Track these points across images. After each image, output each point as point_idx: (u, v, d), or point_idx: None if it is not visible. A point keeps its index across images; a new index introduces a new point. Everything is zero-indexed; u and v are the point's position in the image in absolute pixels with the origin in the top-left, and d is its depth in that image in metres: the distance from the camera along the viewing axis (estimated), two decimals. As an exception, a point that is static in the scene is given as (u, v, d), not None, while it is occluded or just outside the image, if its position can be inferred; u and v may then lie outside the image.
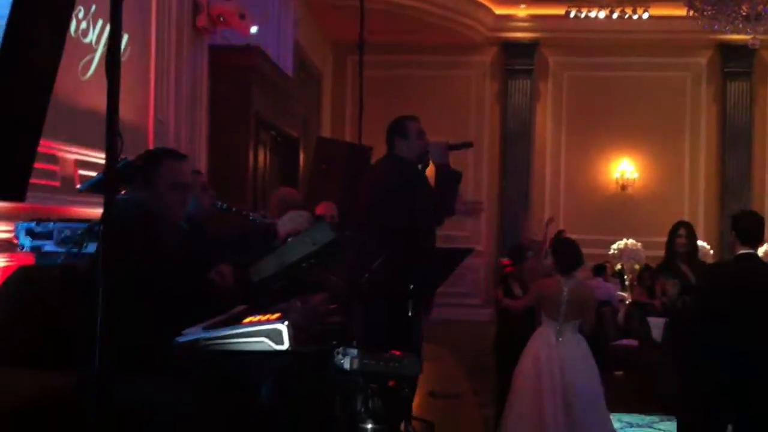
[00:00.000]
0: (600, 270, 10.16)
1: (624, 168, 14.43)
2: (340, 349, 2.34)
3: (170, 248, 2.84)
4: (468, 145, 4.56)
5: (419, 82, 13.90)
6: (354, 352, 2.32)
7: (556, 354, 5.32)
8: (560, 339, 5.36)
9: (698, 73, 14.57)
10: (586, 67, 14.50)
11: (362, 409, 2.34)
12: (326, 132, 13.59)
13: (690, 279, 5.43)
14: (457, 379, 7.65)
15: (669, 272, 5.59)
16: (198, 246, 3.09)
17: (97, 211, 4.82)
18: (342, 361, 2.33)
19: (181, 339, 2.42)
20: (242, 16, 7.32)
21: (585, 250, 6.23)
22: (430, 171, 4.49)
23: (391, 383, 2.41)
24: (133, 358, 2.46)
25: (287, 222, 3.21)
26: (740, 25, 9.81)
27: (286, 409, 2.66)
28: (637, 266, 9.85)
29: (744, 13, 9.60)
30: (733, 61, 14.17)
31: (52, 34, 2.16)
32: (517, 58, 14.60)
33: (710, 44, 13.97)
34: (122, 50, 5.67)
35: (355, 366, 2.33)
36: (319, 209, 5.33)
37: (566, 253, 5.57)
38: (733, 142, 14.30)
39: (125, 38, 5.83)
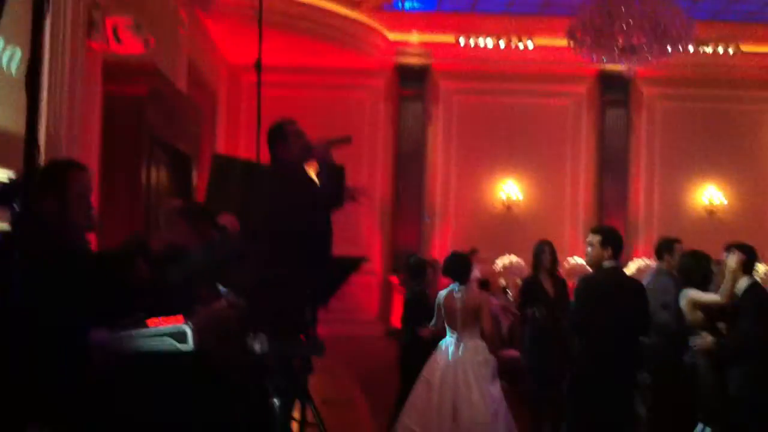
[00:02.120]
0: (484, 285, 10.57)
1: (509, 189, 15.05)
2: (251, 334, 2.50)
3: (83, 255, 2.92)
4: (347, 139, 4.81)
5: (314, 103, 14.05)
6: (263, 336, 2.50)
7: (459, 360, 5.70)
8: (461, 347, 5.75)
9: (579, 101, 15.36)
10: (475, 92, 15.05)
11: (271, 387, 2.51)
12: (221, 149, 13.58)
13: (550, 294, 6.50)
14: (349, 388, 7.83)
15: (535, 292, 6.53)
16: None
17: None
18: (253, 344, 2.50)
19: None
20: (138, 27, 7.31)
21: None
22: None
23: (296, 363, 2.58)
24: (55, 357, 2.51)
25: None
26: (616, 57, 10.47)
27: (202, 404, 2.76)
28: (519, 282, 10.28)
29: (620, 46, 10.26)
30: (610, 90, 15.02)
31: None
32: (410, 82, 15.03)
33: (590, 74, 14.78)
34: (17, 66, 5.66)
35: (265, 348, 2.51)
36: (223, 220, 5.43)
37: (456, 268, 6.05)
38: (610, 167, 15.14)
39: (19, 54, 5.78)
